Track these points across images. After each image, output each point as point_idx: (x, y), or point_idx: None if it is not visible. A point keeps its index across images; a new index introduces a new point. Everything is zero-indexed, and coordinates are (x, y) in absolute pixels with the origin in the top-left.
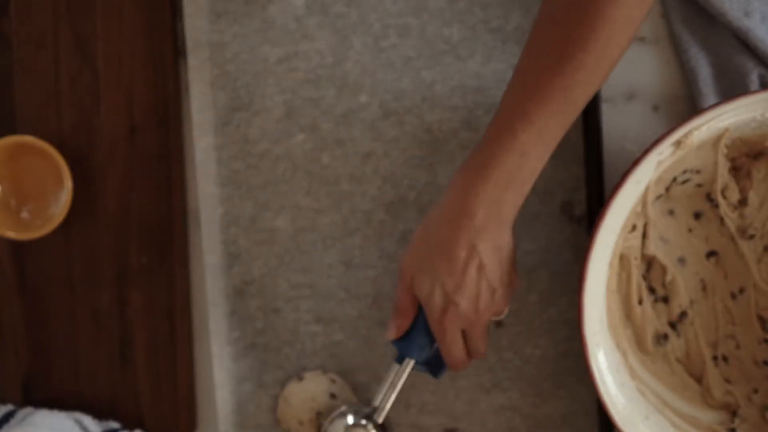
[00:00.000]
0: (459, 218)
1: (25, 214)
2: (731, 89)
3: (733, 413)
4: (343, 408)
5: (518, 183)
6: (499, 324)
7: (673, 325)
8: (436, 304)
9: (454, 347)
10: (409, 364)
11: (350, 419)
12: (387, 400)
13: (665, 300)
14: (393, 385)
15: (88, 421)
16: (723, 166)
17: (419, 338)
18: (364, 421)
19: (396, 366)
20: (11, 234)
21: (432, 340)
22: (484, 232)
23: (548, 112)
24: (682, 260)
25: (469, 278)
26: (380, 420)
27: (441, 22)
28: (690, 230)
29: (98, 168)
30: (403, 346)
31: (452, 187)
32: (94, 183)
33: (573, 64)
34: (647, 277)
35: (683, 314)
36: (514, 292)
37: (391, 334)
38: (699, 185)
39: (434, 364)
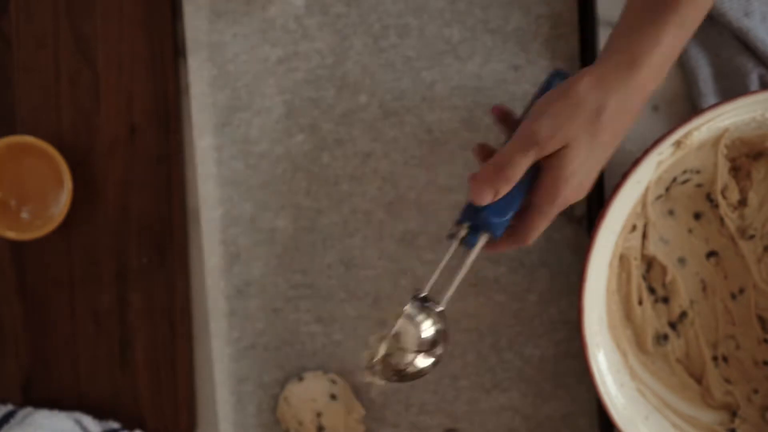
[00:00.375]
0: (644, 84)
1: (25, 214)
2: (731, 89)
3: (733, 413)
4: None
5: (671, 61)
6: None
7: (673, 325)
8: (575, 181)
9: (548, 223)
10: (483, 240)
11: (392, 322)
12: (451, 286)
13: (665, 300)
14: (460, 268)
15: (88, 421)
16: (723, 167)
17: (512, 213)
18: (421, 317)
19: (457, 246)
20: (11, 234)
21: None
22: (637, 113)
23: None
24: (682, 260)
25: (608, 156)
26: (443, 307)
27: (441, 22)
28: (690, 230)
29: (98, 168)
30: (495, 222)
31: (636, 52)
32: (94, 183)
33: None
34: (647, 277)
35: (683, 314)
36: None
37: (487, 197)
38: (699, 185)
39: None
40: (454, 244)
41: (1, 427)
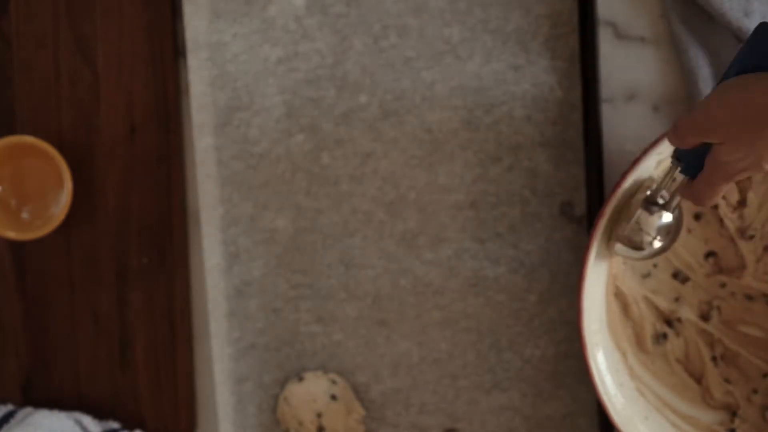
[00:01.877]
0: None
1: (25, 214)
2: None
3: (733, 413)
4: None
5: None
6: None
7: (670, 323)
8: (739, 167)
9: (719, 195)
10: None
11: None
12: (675, 196)
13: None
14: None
15: (88, 421)
16: None
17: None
18: (658, 209)
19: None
20: (11, 234)
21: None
22: None
23: None
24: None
25: None
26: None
27: (441, 22)
28: (689, 231)
29: (98, 168)
30: (688, 166)
31: None
32: (94, 183)
33: None
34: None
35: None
36: None
37: (675, 141)
38: None
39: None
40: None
41: (1, 427)
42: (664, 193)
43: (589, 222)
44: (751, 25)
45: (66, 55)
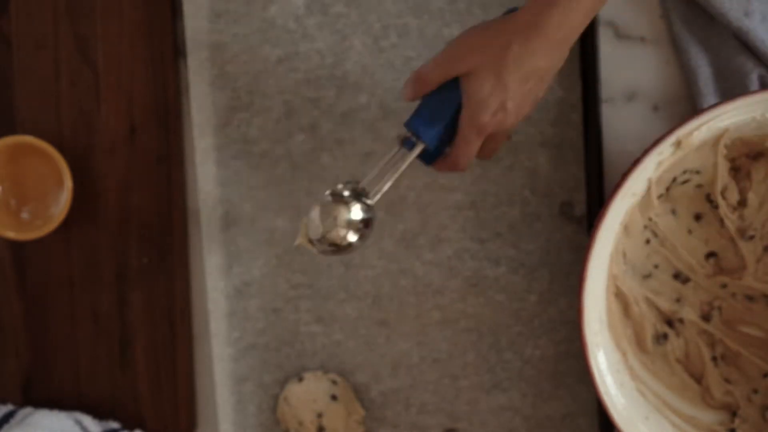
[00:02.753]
0: (550, 29)
1: (25, 214)
2: (731, 89)
3: (733, 413)
4: (327, 191)
5: (597, 8)
6: (508, 137)
7: (671, 323)
8: (490, 107)
9: (474, 150)
10: (419, 148)
11: (328, 195)
12: (385, 182)
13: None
14: (395, 168)
15: (88, 421)
16: (723, 167)
17: (440, 125)
18: (347, 193)
19: (400, 149)
20: (11, 234)
21: (447, 134)
22: (563, 45)
23: None
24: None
25: (528, 87)
26: (373, 201)
27: (441, 22)
28: (690, 231)
29: (98, 168)
30: (425, 131)
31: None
32: (94, 183)
33: None
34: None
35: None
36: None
37: (408, 94)
38: (699, 186)
39: (427, 156)
40: (396, 145)
41: (1, 427)
42: (348, 187)
43: (589, 222)
44: (751, 25)
45: (66, 55)
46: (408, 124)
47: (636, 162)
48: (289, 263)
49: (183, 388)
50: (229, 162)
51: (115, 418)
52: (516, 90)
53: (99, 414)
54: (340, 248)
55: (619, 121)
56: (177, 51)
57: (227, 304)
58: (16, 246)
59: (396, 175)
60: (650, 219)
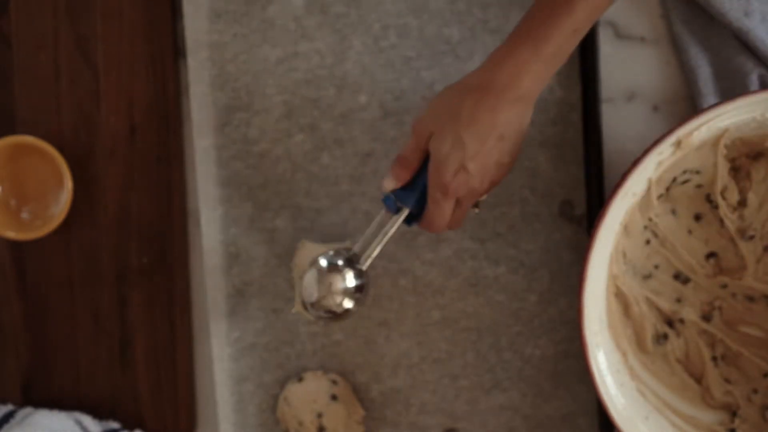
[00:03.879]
0: (500, 88)
1: (25, 214)
2: (731, 89)
3: (733, 413)
4: (321, 255)
5: (560, 60)
6: (476, 206)
7: (671, 323)
8: (450, 166)
9: (444, 211)
10: (404, 213)
11: (323, 262)
12: (375, 247)
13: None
14: (383, 232)
15: (88, 421)
16: (723, 167)
17: (419, 192)
18: (340, 262)
19: (386, 213)
20: (11, 234)
21: (425, 198)
22: (519, 103)
23: None
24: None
25: (488, 147)
26: (365, 267)
27: (441, 22)
28: (690, 232)
29: (98, 168)
30: (403, 196)
31: (496, 59)
32: (94, 183)
33: None
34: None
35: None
36: (505, 175)
37: (391, 184)
38: (699, 186)
39: (412, 217)
40: (382, 210)
41: (1, 427)
42: (341, 255)
43: (589, 222)
44: (751, 25)
45: (66, 55)
46: (395, 193)
47: (636, 162)
48: (289, 263)
49: (183, 388)
50: (229, 162)
51: (115, 418)
52: (475, 149)
53: (99, 414)
54: (336, 315)
55: (619, 121)
56: (177, 51)
57: (227, 304)
58: (16, 246)
59: (385, 240)
60: (650, 219)
